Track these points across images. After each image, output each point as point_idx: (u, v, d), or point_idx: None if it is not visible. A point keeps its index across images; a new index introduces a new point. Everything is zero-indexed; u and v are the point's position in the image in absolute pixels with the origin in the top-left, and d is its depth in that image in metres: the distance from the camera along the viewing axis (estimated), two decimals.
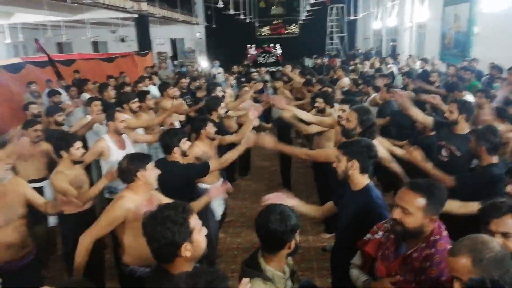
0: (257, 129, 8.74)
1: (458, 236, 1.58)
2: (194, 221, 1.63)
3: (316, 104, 4.65)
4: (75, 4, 10.68)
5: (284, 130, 5.80)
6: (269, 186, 6.17)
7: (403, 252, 1.82)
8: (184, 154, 3.21)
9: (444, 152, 3.55)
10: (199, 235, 1.64)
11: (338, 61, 10.62)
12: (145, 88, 7.20)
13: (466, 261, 1.41)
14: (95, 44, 20.90)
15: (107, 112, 4.07)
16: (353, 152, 2.30)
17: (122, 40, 19.16)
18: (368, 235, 1.99)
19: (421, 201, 1.73)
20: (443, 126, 3.65)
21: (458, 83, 5.43)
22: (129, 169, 2.46)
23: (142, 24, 14.72)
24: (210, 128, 3.77)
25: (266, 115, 9.84)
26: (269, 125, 5.90)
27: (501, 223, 1.71)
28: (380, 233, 1.94)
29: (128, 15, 13.72)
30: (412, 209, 1.73)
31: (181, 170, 3.14)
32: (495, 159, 2.88)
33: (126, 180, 2.51)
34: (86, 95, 6.92)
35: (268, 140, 3.22)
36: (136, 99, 4.73)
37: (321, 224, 4.72)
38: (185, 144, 3.20)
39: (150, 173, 2.51)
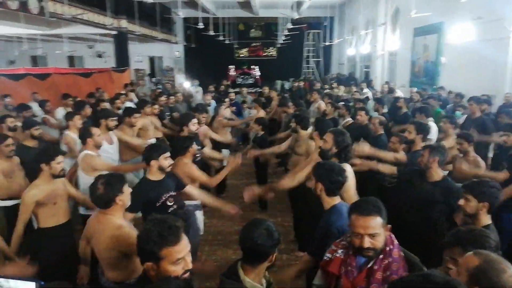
0: (236, 148, 8.82)
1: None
2: (168, 251, 1.63)
3: (291, 124, 4.86)
4: (54, 19, 10.65)
5: (261, 149, 5.91)
6: (244, 205, 6.20)
7: (363, 265, 1.95)
8: (162, 169, 3.23)
9: None
10: (170, 266, 1.64)
11: (318, 84, 10.96)
12: (121, 105, 7.23)
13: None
14: (71, 59, 20.66)
15: (81, 130, 4.09)
16: (318, 174, 2.47)
17: (99, 56, 19.07)
18: (328, 255, 2.10)
19: (379, 220, 1.90)
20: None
21: (425, 108, 5.73)
22: (107, 195, 2.38)
23: (121, 40, 14.70)
24: (195, 147, 3.89)
25: (243, 136, 10.04)
26: (249, 146, 6.00)
27: (450, 252, 1.88)
28: (340, 251, 2.05)
29: (107, 32, 13.74)
30: (378, 230, 1.89)
31: (147, 188, 3.20)
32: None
33: (104, 206, 2.42)
34: (61, 110, 6.87)
35: None
36: (115, 117, 4.75)
37: (294, 243, 4.81)
38: (166, 160, 3.23)
39: (127, 194, 2.48)
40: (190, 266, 1.70)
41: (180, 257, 1.65)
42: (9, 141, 3.87)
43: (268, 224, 1.84)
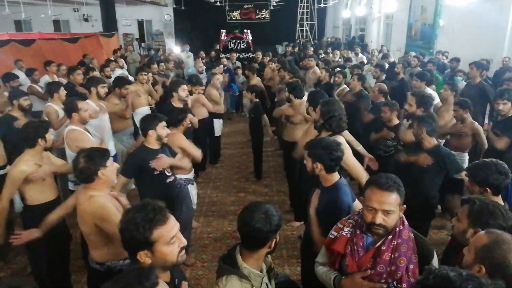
0: (229, 117, 8.64)
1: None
2: (160, 232, 1.53)
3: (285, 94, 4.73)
4: None
5: (255, 119, 5.78)
6: (239, 175, 6.17)
7: (370, 245, 1.87)
8: (159, 139, 3.20)
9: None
10: (165, 247, 1.55)
11: (310, 50, 10.60)
12: (110, 73, 6.97)
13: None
14: (57, 23, 19.85)
15: (66, 103, 3.88)
16: (315, 154, 2.36)
17: (86, 20, 18.35)
18: (333, 233, 2.01)
19: (396, 197, 1.80)
20: None
21: (424, 74, 5.55)
22: (89, 169, 2.25)
23: (108, 3, 14.10)
24: (191, 119, 3.80)
25: (237, 105, 9.86)
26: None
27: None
28: (346, 229, 1.97)
29: None
30: (394, 208, 1.79)
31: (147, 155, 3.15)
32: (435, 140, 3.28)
33: (86, 181, 2.30)
34: (47, 78, 6.60)
35: None
36: (105, 84, 4.53)
37: (290, 213, 4.78)
38: (163, 129, 3.19)
39: (111, 169, 2.34)
40: (184, 242, 1.62)
41: (172, 235, 1.57)
42: None
43: (268, 208, 1.73)
